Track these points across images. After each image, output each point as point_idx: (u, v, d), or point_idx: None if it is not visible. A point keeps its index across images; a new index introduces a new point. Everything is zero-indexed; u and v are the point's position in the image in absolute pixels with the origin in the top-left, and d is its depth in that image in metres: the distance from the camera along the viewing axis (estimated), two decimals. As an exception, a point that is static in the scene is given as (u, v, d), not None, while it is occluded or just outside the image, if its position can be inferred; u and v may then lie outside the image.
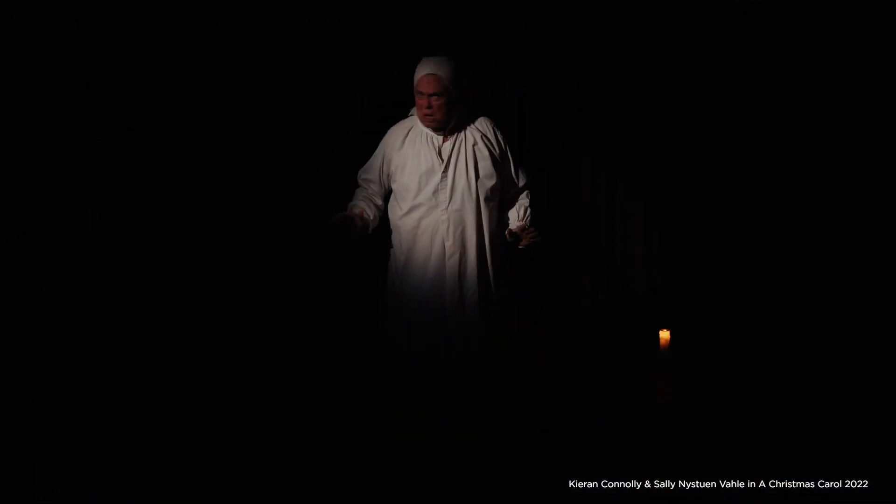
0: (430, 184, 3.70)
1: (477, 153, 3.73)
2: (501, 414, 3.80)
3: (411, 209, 3.72)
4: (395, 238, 3.81)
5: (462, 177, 3.71)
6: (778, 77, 4.63)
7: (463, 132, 3.75)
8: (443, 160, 3.70)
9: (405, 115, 3.86)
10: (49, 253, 4.28)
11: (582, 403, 4.56)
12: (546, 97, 4.72)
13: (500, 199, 3.82)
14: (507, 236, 3.82)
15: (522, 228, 3.79)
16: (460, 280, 3.71)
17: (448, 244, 3.70)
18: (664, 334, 4.72)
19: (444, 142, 3.74)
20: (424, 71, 3.63)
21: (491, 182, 3.75)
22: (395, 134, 3.79)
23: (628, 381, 4.70)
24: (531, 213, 3.87)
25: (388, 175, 3.79)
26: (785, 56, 4.62)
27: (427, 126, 3.71)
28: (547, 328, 4.77)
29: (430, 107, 3.64)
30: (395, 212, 3.79)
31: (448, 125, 3.72)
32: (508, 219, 3.90)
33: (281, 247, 4.56)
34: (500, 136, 3.80)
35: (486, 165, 3.74)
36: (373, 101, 4.49)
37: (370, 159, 3.85)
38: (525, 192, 3.90)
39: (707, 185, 4.75)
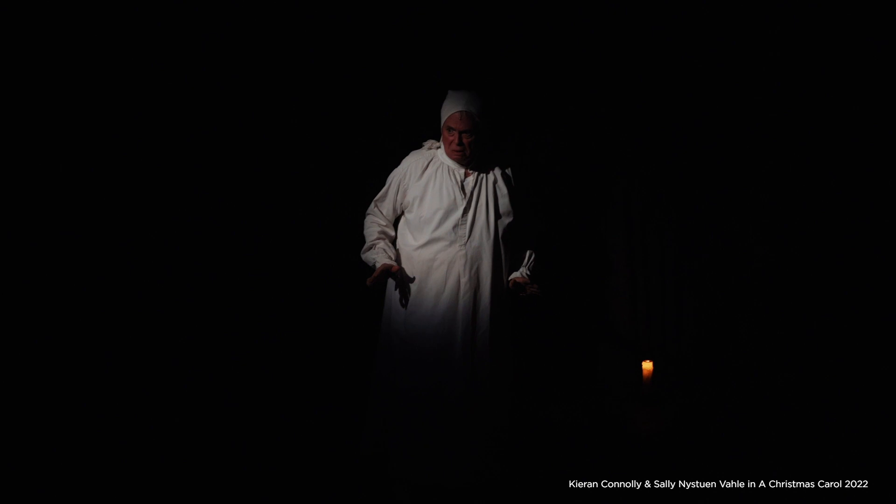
0: (451, 219, 3.67)
1: (497, 191, 3.73)
2: (497, 453, 3.74)
3: (429, 242, 3.69)
4: (405, 266, 3.75)
5: (482, 214, 3.70)
6: (754, 110, 4.67)
7: (485, 168, 3.75)
8: (465, 195, 3.69)
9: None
10: (49, 253, 4.29)
11: (570, 436, 4.44)
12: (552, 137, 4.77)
13: (513, 239, 3.81)
14: (510, 284, 3.80)
15: (525, 283, 3.75)
16: (474, 317, 3.68)
17: (463, 280, 3.67)
18: (647, 365, 4.71)
19: (466, 176, 3.72)
20: (457, 108, 3.60)
21: (509, 220, 3.74)
22: (414, 164, 3.75)
23: (614, 413, 4.66)
24: (535, 261, 3.84)
25: (403, 204, 3.77)
26: (759, 90, 4.66)
27: (454, 159, 3.70)
28: (535, 361, 4.77)
29: (461, 143, 3.63)
30: (408, 241, 3.75)
31: (474, 160, 3.72)
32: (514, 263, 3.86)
33: (277, 255, 4.57)
34: (518, 176, 3.80)
35: (504, 203, 3.73)
36: (383, 115, 4.52)
37: (385, 189, 3.80)
38: (533, 238, 3.88)
39: (691, 217, 4.78)
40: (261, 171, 4.58)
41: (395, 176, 3.76)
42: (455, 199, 3.67)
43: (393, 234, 3.81)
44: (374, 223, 3.79)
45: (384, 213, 3.79)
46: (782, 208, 4.69)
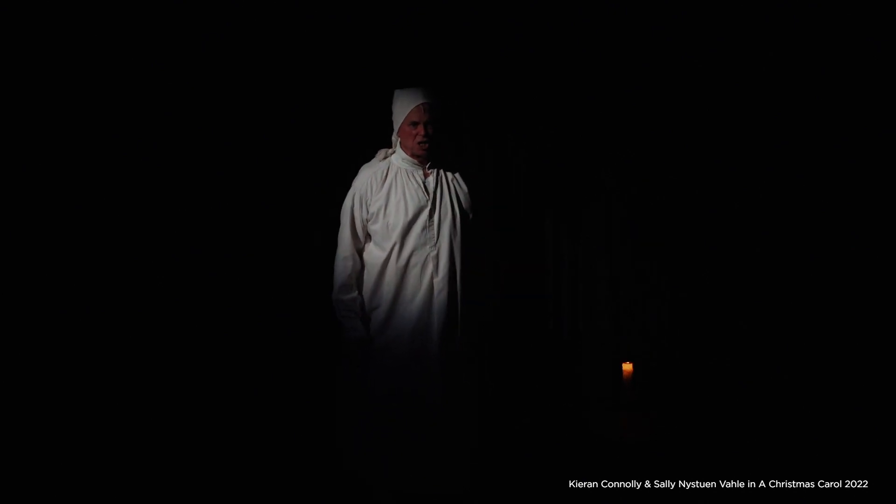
0: (419, 222, 3.68)
1: (458, 188, 3.74)
2: (468, 451, 3.75)
3: (398, 247, 3.67)
4: (374, 281, 3.73)
5: (448, 212, 3.70)
6: (735, 120, 4.66)
7: (443, 166, 3.76)
8: (429, 195, 3.70)
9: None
10: (43, 252, 4.28)
11: (544, 447, 4.41)
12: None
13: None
14: None
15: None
16: (449, 314, 3.68)
17: (437, 280, 3.67)
18: (627, 367, 4.67)
19: (426, 177, 3.74)
20: (418, 101, 3.63)
21: (472, 215, 3.76)
22: (371, 177, 3.73)
23: (593, 418, 4.63)
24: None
25: (366, 218, 3.74)
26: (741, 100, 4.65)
27: (420, 154, 3.69)
28: (510, 364, 4.73)
29: (426, 134, 3.64)
30: (376, 254, 3.73)
31: (432, 158, 3.72)
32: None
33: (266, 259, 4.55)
34: (473, 174, 3.84)
35: (466, 198, 3.75)
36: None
37: (341, 235, 3.76)
38: (490, 252, 3.89)
39: (672, 225, 4.76)
40: (250, 170, 4.56)
41: (348, 205, 3.75)
42: (419, 201, 3.69)
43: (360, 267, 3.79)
44: (347, 312, 3.75)
45: (352, 248, 3.76)
46: (761, 202, 4.66)
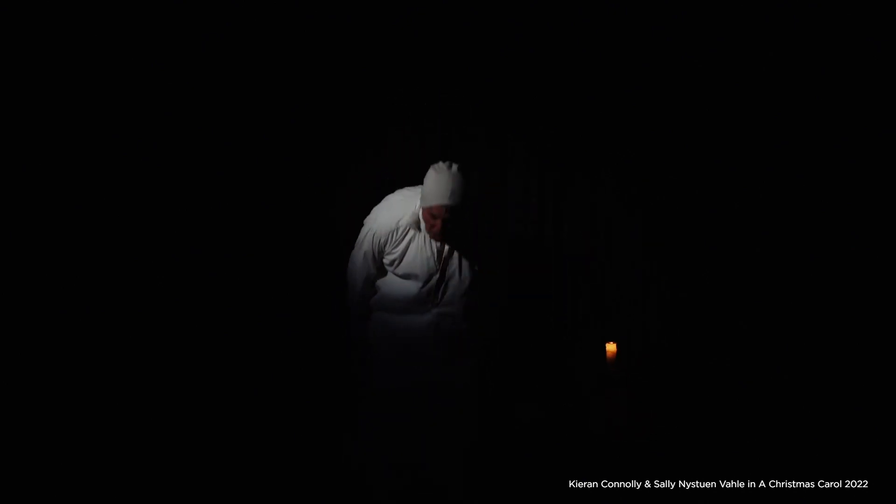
0: (428, 284, 3.74)
1: (469, 251, 3.76)
2: (468, 438, 3.80)
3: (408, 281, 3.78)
4: (385, 284, 3.82)
5: (456, 274, 3.75)
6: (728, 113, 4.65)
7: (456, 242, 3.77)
8: (439, 265, 3.74)
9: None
10: (43, 252, 4.28)
11: (537, 433, 4.43)
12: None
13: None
14: None
15: None
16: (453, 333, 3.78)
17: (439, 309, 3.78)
18: (610, 347, 4.64)
19: (441, 244, 3.75)
20: (443, 201, 3.56)
21: (483, 262, 3.80)
22: (390, 227, 3.74)
23: (582, 405, 4.62)
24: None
25: (380, 257, 3.79)
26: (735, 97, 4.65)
27: (433, 238, 3.71)
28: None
29: (443, 230, 3.63)
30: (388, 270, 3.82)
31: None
32: None
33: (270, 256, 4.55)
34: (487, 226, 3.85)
35: (477, 255, 3.77)
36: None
37: (356, 254, 3.82)
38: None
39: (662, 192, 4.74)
40: (250, 170, 4.56)
41: (373, 235, 3.76)
42: (430, 268, 3.73)
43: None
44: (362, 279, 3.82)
45: (365, 268, 3.82)
46: (761, 202, 4.66)
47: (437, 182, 3.58)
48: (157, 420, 4.23)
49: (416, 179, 3.79)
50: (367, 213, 3.86)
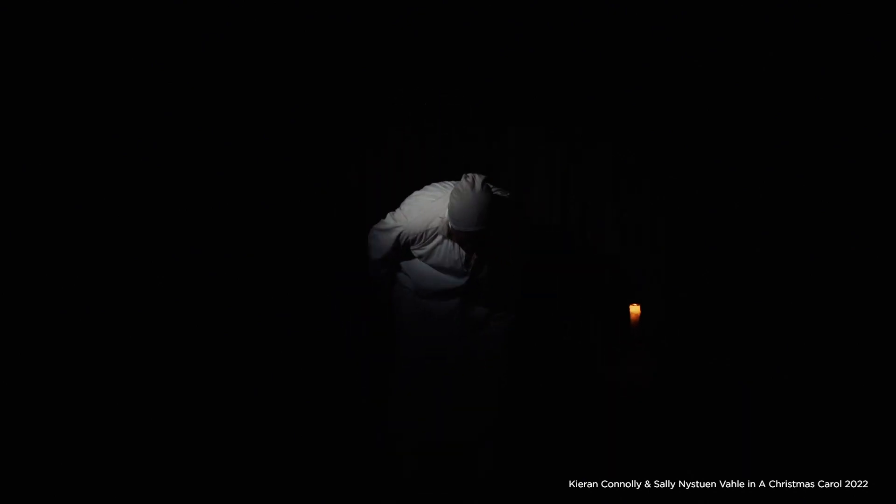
0: (453, 285, 3.78)
1: (496, 250, 3.76)
2: (496, 402, 3.88)
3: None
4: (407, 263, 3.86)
5: (484, 274, 3.79)
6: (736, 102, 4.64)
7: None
8: (468, 270, 3.75)
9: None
10: (43, 252, 4.28)
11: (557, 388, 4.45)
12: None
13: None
14: None
15: None
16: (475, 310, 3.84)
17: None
18: (634, 309, 4.58)
19: (469, 252, 3.74)
20: (469, 228, 3.53)
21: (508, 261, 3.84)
22: (420, 230, 3.71)
23: (603, 362, 4.60)
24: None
25: (405, 247, 3.78)
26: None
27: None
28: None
29: (467, 250, 3.67)
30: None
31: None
32: None
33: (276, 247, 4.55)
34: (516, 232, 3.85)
35: (503, 253, 3.78)
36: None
37: (382, 238, 3.77)
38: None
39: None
40: (250, 170, 4.55)
41: (401, 232, 3.73)
42: (457, 274, 3.76)
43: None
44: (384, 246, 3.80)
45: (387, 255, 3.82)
46: (761, 202, 4.65)
47: (463, 208, 3.51)
48: (157, 420, 4.23)
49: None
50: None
